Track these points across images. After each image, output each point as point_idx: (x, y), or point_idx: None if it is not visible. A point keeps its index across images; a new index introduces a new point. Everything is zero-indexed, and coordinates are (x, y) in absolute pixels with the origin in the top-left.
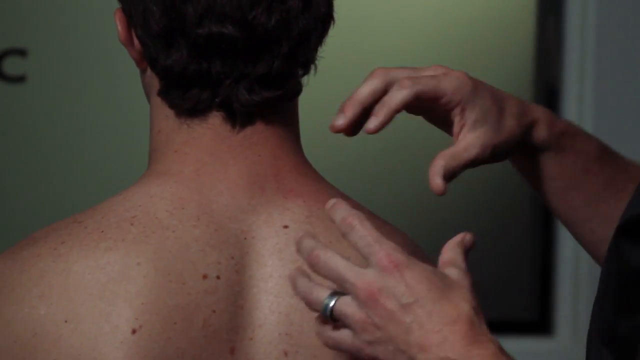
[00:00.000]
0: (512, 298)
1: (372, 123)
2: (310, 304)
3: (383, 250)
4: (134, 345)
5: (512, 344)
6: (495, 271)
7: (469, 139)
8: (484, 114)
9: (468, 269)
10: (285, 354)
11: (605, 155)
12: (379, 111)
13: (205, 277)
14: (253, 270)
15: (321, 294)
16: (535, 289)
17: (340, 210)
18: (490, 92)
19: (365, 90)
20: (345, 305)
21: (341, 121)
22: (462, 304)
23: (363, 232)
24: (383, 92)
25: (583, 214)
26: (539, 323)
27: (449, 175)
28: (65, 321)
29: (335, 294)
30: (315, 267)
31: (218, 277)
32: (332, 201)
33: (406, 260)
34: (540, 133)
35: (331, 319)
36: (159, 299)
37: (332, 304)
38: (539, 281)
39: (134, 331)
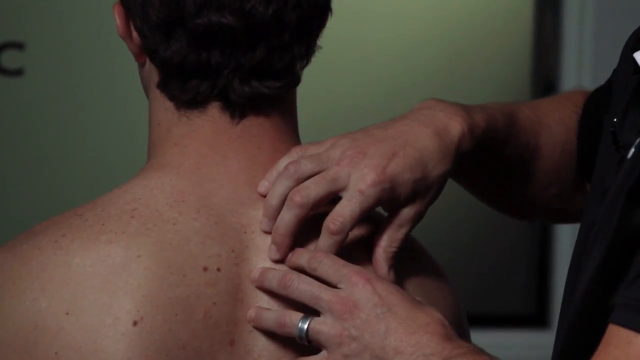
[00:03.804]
0: (509, 292)
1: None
2: (284, 330)
3: (352, 269)
4: (135, 337)
5: (509, 337)
6: (492, 265)
7: (403, 215)
8: (411, 189)
9: (466, 263)
10: (284, 346)
11: (509, 137)
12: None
13: (205, 269)
14: (253, 263)
15: (294, 318)
16: (532, 282)
17: (305, 253)
18: (409, 163)
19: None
20: (320, 324)
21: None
22: (433, 312)
23: (330, 261)
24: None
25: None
26: (536, 316)
27: (393, 259)
28: (67, 313)
29: (306, 317)
30: (288, 290)
31: (218, 270)
32: (292, 252)
33: (375, 275)
34: (465, 147)
35: (307, 340)
36: (160, 291)
37: (306, 325)
38: (536, 275)
39: (135, 323)
